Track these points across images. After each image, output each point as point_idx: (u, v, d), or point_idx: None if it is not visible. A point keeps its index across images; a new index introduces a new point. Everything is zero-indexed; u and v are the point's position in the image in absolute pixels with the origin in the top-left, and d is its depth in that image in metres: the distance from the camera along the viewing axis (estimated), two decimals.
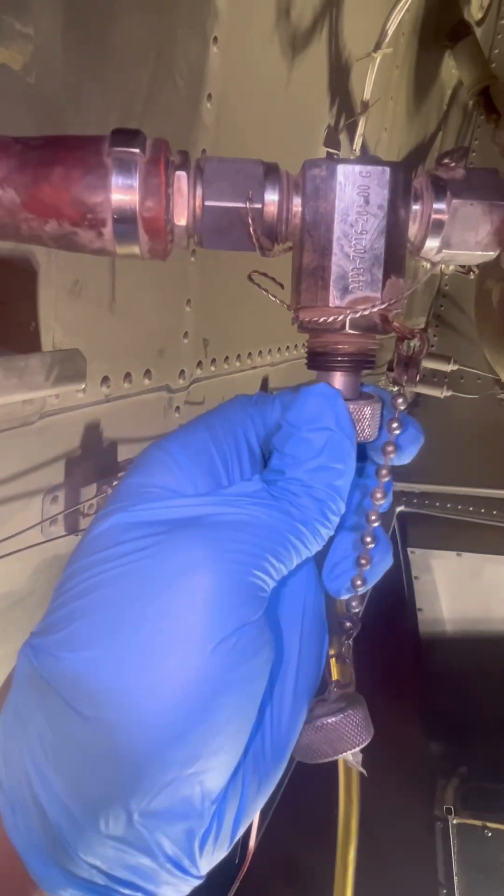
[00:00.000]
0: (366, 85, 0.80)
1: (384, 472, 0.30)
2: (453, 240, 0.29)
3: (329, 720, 0.29)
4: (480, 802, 2.12)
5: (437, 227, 0.29)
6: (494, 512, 1.94)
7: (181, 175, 0.28)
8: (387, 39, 0.75)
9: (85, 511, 0.59)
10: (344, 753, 0.30)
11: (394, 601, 2.27)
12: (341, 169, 0.27)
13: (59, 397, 0.53)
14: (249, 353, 0.86)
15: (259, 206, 0.28)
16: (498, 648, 2.12)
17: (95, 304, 0.55)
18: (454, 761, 2.27)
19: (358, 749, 0.30)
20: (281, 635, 0.28)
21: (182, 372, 0.71)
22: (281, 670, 0.27)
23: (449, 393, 1.91)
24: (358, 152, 0.87)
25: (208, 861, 0.25)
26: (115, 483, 0.59)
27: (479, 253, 0.30)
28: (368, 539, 0.29)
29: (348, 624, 0.31)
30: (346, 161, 0.28)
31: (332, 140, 0.92)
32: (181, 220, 0.28)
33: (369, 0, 0.90)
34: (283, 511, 0.26)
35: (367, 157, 0.29)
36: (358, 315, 0.28)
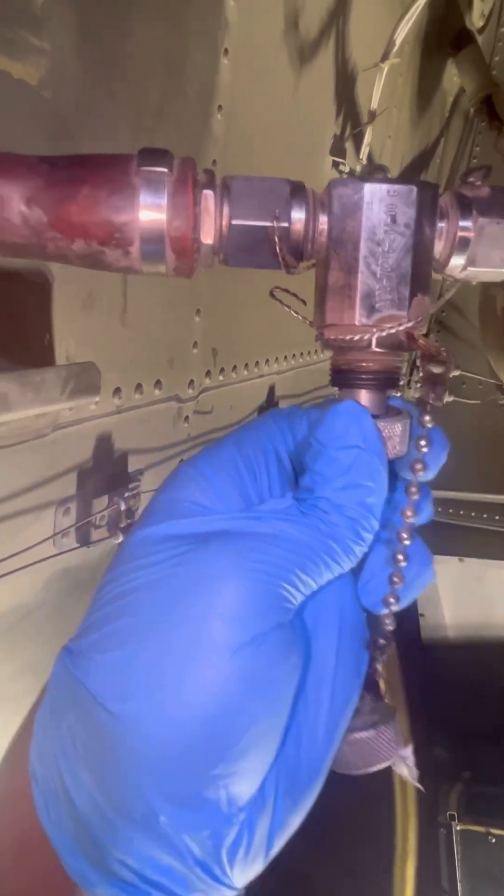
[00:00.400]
0: (373, 94, 0.80)
1: (413, 489, 0.30)
2: (479, 257, 0.29)
3: (362, 735, 0.29)
4: (484, 808, 2.11)
5: (462, 244, 0.29)
6: (497, 517, 1.94)
7: (208, 194, 0.27)
8: (395, 49, 0.75)
9: (97, 522, 0.58)
10: (374, 768, 0.30)
11: None
12: (369, 188, 0.27)
13: (73, 409, 0.52)
14: (257, 362, 0.86)
15: (286, 224, 0.28)
16: (501, 653, 2.12)
17: (108, 315, 0.55)
18: (458, 766, 2.26)
19: (403, 760, 0.30)
20: (315, 648, 0.28)
21: (191, 381, 0.71)
22: (315, 683, 0.27)
23: (450, 398, 1.91)
24: (364, 161, 0.87)
25: (242, 873, 0.25)
26: (126, 494, 0.59)
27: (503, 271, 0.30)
28: (400, 557, 0.29)
29: (382, 641, 0.31)
30: (373, 180, 0.28)
31: (338, 149, 0.92)
32: (208, 238, 0.28)
33: (375, 11, 0.90)
34: (312, 527, 0.26)
35: (381, 173, 0.28)
36: (385, 333, 0.28)
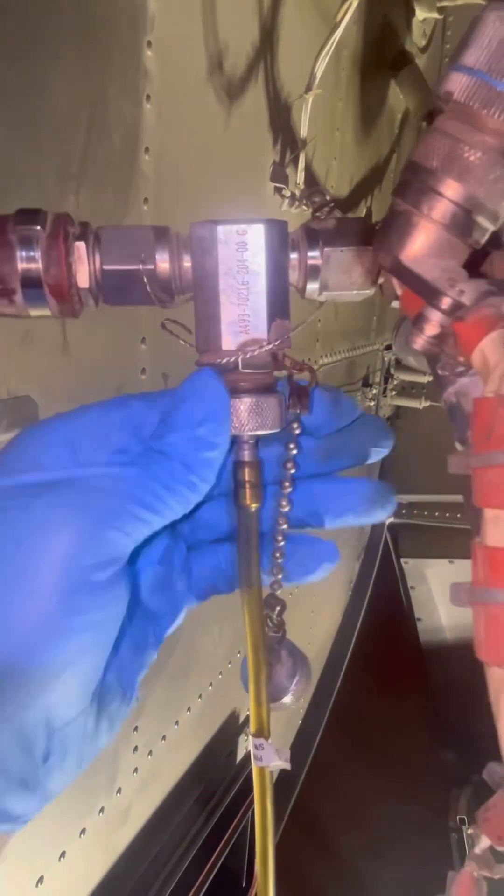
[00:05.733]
0: (301, 124, 0.85)
1: (286, 483, 0.33)
2: (330, 282, 0.33)
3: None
4: None
5: (314, 272, 0.32)
6: None
7: (80, 245, 0.31)
8: (316, 81, 0.80)
9: None
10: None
11: (393, 612, 2.28)
12: (221, 229, 0.31)
13: None
14: None
15: (151, 266, 0.31)
16: None
17: (48, 350, 0.59)
18: (466, 769, 2.26)
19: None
20: None
21: None
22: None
23: (427, 403, 1.95)
24: (302, 185, 0.91)
25: (59, 783, 0.28)
26: None
27: (356, 292, 0.33)
28: (277, 555, 0.33)
29: (275, 629, 0.35)
30: (225, 221, 0.31)
31: (278, 175, 0.97)
32: (84, 283, 0.32)
33: (302, 43, 0.95)
34: (147, 471, 0.29)
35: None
36: (248, 356, 0.32)
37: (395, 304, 0.33)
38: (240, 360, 0.32)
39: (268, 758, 0.31)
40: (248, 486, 0.33)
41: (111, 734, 0.30)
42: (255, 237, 0.31)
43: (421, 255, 0.24)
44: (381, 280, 0.33)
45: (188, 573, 0.35)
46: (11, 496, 0.29)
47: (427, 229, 0.24)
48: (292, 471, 0.32)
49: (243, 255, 0.31)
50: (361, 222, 0.32)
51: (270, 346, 0.32)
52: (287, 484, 0.32)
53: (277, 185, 0.96)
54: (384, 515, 0.34)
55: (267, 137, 0.93)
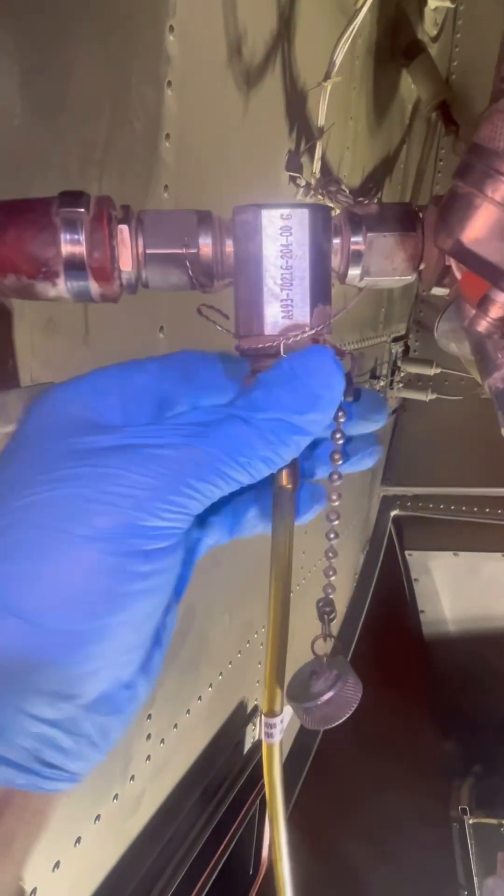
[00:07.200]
0: (319, 112, 0.84)
1: (335, 476, 0.33)
2: (372, 268, 0.33)
3: (332, 693, 0.32)
4: (496, 800, 2.12)
5: (356, 257, 0.32)
6: (487, 510, 1.96)
7: (123, 228, 0.31)
8: (335, 69, 0.79)
9: None
10: (349, 713, 0.33)
11: (396, 604, 2.29)
12: (265, 213, 0.31)
13: None
14: None
15: (195, 250, 0.31)
16: (501, 644, 2.14)
17: (69, 338, 0.58)
18: (468, 760, 2.28)
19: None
20: None
21: None
22: None
23: (434, 396, 1.95)
24: (318, 174, 0.91)
25: (114, 738, 0.29)
26: None
27: (398, 278, 0.33)
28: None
29: (328, 608, 0.35)
30: (269, 206, 0.31)
31: (293, 164, 0.96)
32: (127, 267, 0.31)
33: (318, 31, 0.95)
34: (227, 440, 0.28)
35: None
36: (290, 341, 0.32)
37: (436, 290, 0.33)
38: (282, 347, 0.32)
39: (280, 731, 0.31)
40: (285, 466, 0.33)
41: (149, 690, 0.30)
42: (300, 222, 0.31)
43: (483, 237, 0.24)
44: (421, 266, 0.33)
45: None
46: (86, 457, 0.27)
47: (489, 211, 0.24)
48: (339, 462, 0.32)
49: (287, 239, 0.31)
50: (405, 208, 0.32)
51: (313, 332, 0.32)
52: (335, 477, 0.32)
53: (292, 174, 0.95)
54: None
55: (283, 125, 0.92)
